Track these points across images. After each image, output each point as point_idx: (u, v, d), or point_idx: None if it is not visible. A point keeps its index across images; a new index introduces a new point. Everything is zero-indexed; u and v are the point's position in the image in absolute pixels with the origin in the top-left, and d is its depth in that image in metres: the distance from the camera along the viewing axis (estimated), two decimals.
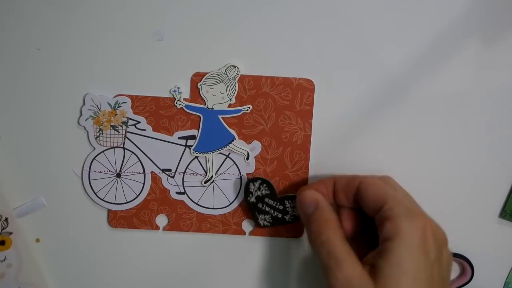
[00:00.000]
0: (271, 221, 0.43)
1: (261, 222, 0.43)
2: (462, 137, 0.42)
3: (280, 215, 0.42)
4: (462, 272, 0.45)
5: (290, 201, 0.42)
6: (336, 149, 0.42)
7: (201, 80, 0.40)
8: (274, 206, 0.42)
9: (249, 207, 0.42)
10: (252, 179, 0.42)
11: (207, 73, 0.40)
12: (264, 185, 0.42)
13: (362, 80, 0.41)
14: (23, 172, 0.42)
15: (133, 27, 0.40)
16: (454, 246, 0.43)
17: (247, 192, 0.42)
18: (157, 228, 0.43)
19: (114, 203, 0.42)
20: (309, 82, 0.41)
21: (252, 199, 0.42)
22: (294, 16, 0.40)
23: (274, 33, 0.40)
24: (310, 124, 0.41)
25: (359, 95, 0.41)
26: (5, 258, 0.43)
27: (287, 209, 0.42)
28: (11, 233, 0.42)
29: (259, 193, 0.42)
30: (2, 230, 0.42)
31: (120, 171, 0.42)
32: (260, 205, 0.42)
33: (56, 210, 0.43)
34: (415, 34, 0.40)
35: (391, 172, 0.41)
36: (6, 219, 0.42)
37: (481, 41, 0.40)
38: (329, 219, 0.37)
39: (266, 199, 0.42)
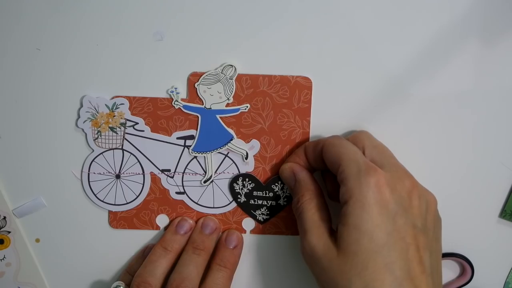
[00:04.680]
0: (268, 212, 0.43)
1: (260, 218, 0.43)
2: (462, 137, 0.41)
3: (274, 203, 0.42)
4: (462, 272, 0.44)
5: (276, 183, 0.42)
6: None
7: (198, 80, 0.40)
8: (265, 196, 0.42)
9: (242, 208, 0.43)
10: (233, 179, 0.42)
11: (204, 73, 0.40)
12: (247, 179, 0.42)
13: (360, 77, 0.40)
14: (23, 172, 0.42)
15: (130, 28, 0.39)
16: (454, 246, 0.43)
17: (235, 194, 0.42)
18: (157, 228, 0.43)
19: (114, 204, 0.43)
20: (307, 79, 0.40)
21: (242, 199, 0.42)
22: (290, 14, 0.39)
23: (270, 31, 0.40)
24: (309, 122, 0.41)
25: (357, 92, 0.41)
26: (4, 256, 0.43)
27: (277, 193, 0.42)
28: (9, 232, 0.43)
29: (245, 190, 0.42)
30: (0, 228, 0.43)
31: (119, 172, 0.42)
32: (252, 202, 0.42)
33: (56, 210, 0.43)
34: (414, 33, 0.39)
35: None
36: (4, 218, 0.42)
37: (481, 41, 0.39)
38: (304, 189, 0.38)
39: (255, 193, 0.42)
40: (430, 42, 0.39)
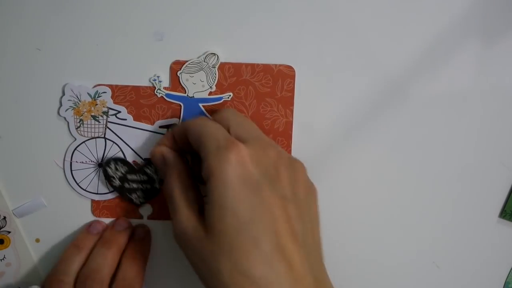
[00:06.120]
0: (144, 196, 0.42)
1: (137, 202, 0.42)
2: (461, 137, 0.41)
3: (149, 186, 0.42)
4: None
5: (149, 167, 0.41)
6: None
7: (181, 68, 0.40)
8: (139, 179, 0.41)
9: (119, 192, 0.42)
10: (106, 163, 0.41)
11: (186, 61, 0.40)
12: (119, 163, 0.41)
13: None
14: (23, 172, 0.42)
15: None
16: (454, 246, 0.43)
17: (109, 178, 0.41)
18: (141, 217, 0.43)
19: (97, 193, 0.42)
20: (290, 68, 0.40)
21: (117, 183, 0.41)
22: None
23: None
24: (292, 111, 0.41)
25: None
26: (4, 257, 0.43)
27: (151, 176, 0.41)
28: (9, 232, 0.43)
29: (119, 173, 0.41)
30: (0, 228, 0.43)
31: (102, 161, 0.42)
32: (127, 185, 0.41)
33: (56, 210, 0.43)
34: (414, 32, 0.39)
35: (387, 169, 0.41)
36: (4, 218, 0.42)
37: (481, 41, 0.39)
38: (172, 170, 0.37)
39: (129, 176, 0.41)
40: (430, 42, 0.39)
